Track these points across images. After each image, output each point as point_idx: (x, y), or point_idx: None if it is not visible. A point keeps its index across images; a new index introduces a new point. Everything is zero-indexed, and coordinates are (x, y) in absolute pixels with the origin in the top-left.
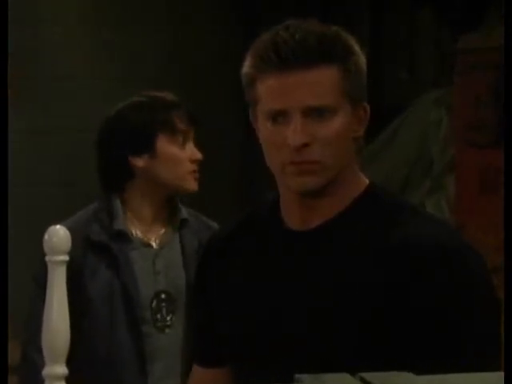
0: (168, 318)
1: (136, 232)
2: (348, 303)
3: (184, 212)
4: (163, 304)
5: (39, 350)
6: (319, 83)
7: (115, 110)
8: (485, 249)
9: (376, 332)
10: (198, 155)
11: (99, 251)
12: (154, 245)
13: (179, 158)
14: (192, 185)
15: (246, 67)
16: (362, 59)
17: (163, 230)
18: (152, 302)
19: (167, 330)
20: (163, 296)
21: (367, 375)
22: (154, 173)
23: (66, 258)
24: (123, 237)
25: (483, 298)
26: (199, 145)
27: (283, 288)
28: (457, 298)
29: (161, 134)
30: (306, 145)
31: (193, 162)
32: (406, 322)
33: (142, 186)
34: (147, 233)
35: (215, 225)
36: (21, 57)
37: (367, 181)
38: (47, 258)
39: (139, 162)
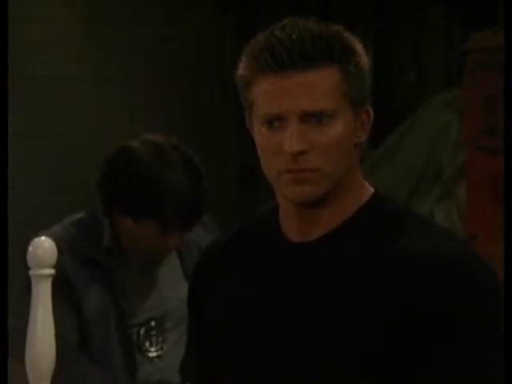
0: (158, 347)
1: (126, 248)
2: (349, 317)
3: None
4: (153, 332)
5: None
6: (317, 86)
7: (128, 156)
8: (497, 261)
9: (378, 344)
10: (178, 246)
11: (91, 267)
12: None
13: (158, 244)
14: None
15: (241, 69)
16: (363, 60)
17: None
18: (140, 329)
19: (156, 361)
20: (153, 323)
21: None
22: (132, 236)
23: (52, 271)
24: (113, 253)
25: (490, 315)
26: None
27: (282, 303)
28: (460, 312)
29: (151, 220)
30: (302, 152)
31: (169, 250)
32: (408, 334)
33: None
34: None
35: (209, 222)
36: (17, 57)
37: (371, 190)
38: (31, 272)
39: (121, 220)
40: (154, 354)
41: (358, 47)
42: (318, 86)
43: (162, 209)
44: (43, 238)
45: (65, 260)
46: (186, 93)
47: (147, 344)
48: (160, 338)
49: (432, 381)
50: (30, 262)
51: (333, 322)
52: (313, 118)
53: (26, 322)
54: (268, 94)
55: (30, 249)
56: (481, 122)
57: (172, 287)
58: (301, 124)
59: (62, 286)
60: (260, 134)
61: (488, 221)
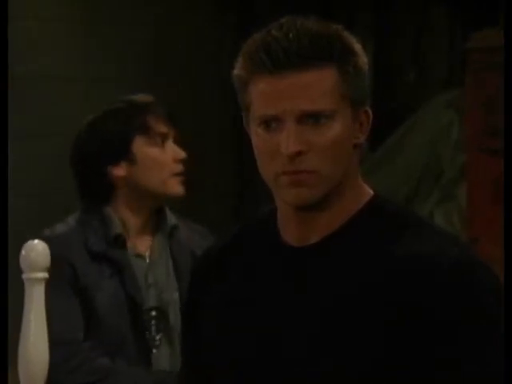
0: (157, 338)
1: (128, 241)
2: (349, 317)
3: (173, 218)
4: (152, 322)
5: None
6: (315, 86)
7: (86, 122)
8: (499, 264)
9: (378, 344)
10: (181, 154)
11: (101, 261)
12: (145, 256)
13: (160, 159)
14: (176, 189)
15: (238, 69)
16: (362, 60)
17: (153, 240)
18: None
19: (154, 351)
20: (153, 313)
21: None
22: (135, 180)
23: (46, 275)
24: (122, 242)
25: (490, 315)
26: (186, 145)
27: (282, 303)
28: (460, 312)
29: (137, 137)
30: (300, 153)
31: (176, 161)
32: (408, 334)
33: (126, 197)
34: (138, 243)
35: (203, 230)
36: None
37: (371, 192)
38: (24, 275)
39: (119, 171)
40: (157, 343)
41: (357, 47)
42: (316, 86)
43: (138, 120)
44: (36, 241)
45: (72, 256)
46: (186, 93)
47: (147, 334)
48: (160, 327)
49: (432, 381)
50: (23, 265)
51: (333, 322)
52: (310, 118)
53: None
54: (264, 95)
55: (23, 252)
56: (481, 122)
57: (167, 280)
58: (298, 125)
59: (69, 284)
60: (257, 135)
61: (490, 223)
